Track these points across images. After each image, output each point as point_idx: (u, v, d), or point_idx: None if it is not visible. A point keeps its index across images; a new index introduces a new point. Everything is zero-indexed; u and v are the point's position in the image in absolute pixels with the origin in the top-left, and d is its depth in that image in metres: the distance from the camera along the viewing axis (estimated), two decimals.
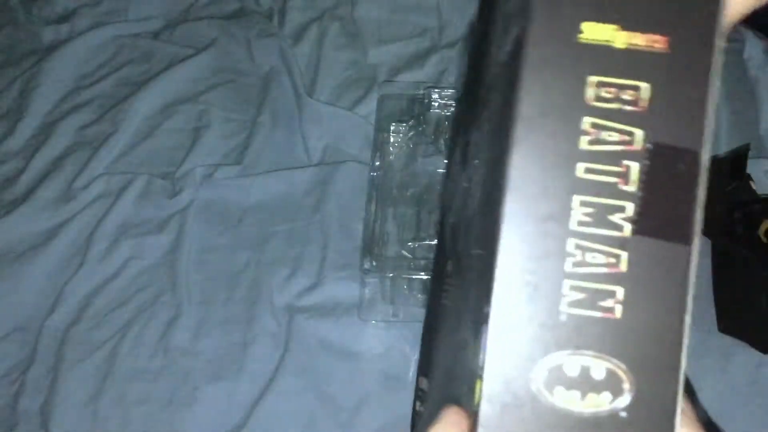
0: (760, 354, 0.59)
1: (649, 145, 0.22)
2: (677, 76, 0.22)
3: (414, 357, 0.61)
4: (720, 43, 0.22)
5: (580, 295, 0.22)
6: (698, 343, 0.60)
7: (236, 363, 0.60)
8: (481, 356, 0.22)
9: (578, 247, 0.22)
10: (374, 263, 0.58)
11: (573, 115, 0.22)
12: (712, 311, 0.61)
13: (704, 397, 0.57)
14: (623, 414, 0.21)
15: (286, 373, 0.60)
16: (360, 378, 0.60)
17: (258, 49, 0.81)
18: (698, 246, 0.22)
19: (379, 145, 0.65)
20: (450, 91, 0.66)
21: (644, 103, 0.22)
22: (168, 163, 0.73)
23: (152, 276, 0.66)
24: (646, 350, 0.21)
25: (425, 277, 0.58)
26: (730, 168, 0.64)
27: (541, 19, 0.22)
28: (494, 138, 0.24)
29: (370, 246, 0.59)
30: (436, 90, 0.66)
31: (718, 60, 0.22)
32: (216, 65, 0.81)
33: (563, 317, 0.22)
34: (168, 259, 0.66)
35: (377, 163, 0.64)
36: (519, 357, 0.22)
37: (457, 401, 0.23)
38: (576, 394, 0.21)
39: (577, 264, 0.22)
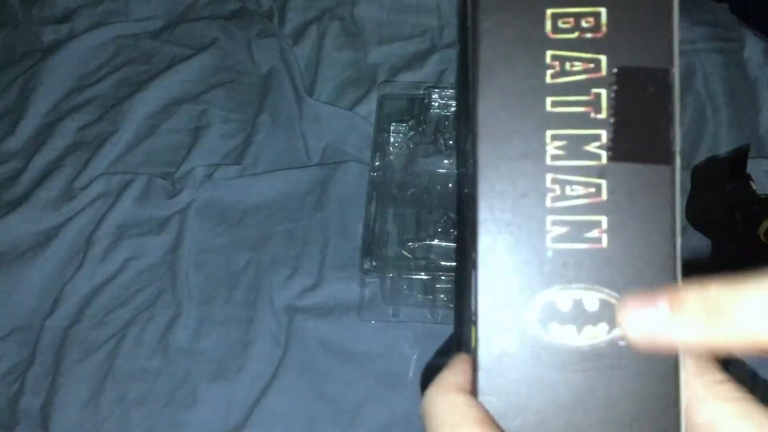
0: (760, 354, 0.59)
1: (614, 70, 0.21)
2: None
3: (414, 357, 0.61)
4: None
5: (564, 229, 0.21)
6: None
7: (236, 363, 0.60)
8: (473, 302, 0.22)
9: (556, 181, 0.22)
10: (374, 263, 0.57)
11: (535, 51, 0.22)
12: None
13: None
14: (622, 343, 0.21)
15: (286, 373, 0.60)
16: (360, 378, 0.60)
17: (258, 49, 0.81)
18: (679, 165, 0.21)
19: (379, 145, 0.65)
20: (450, 91, 0.66)
21: (604, 27, 0.22)
22: (168, 163, 0.73)
23: (152, 276, 0.66)
24: (638, 277, 0.21)
25: (425, 277, 0.58)
26: (730, 168, 0.64)
27: None
28: (467, 88, 0.24)
29: (370, 246, 0.59)
30: (436, 90, 0.66)
31: None
32: (216, 65, 0.81)
33: (549, 253, 0.21)
34: (168, 259, 0.66)
35: (377, 163, 0.64)
36: (510, 298, 0.22)
37: (466, 347, 0.24)
38: (572, 328, 0.21)
39: (557, 198, 0.21)
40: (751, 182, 0.62)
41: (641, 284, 0.21)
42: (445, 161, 0.67)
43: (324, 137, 0.74)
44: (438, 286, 0.60)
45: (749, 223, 0.58)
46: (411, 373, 0.60)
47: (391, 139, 0.66)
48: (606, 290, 0.21)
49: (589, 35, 0.22)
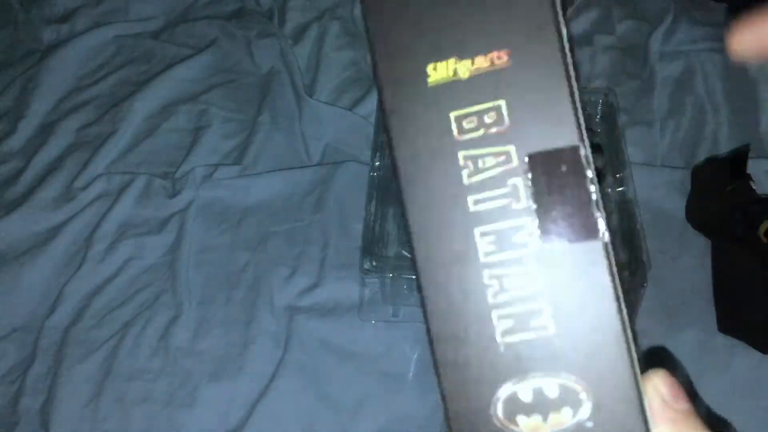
0: (760, 354, 0.59)
1: (525, 158, 0.22)
2: (530, 83, 0.22)
3: (414, 357, 0.61)
4: (564, 34, 0.22)
5: (510, 322, 0.22)
6: (698, 343, 0.60)
7: (236, 363, 0.60)
8: (442, 404, 0.22)
9: (493, 276, 0.22)
10: (374, 263, 0.57)
11: (448, 156, 0.22)
12: (712, 311, 0.61)
13: (705, 397, 0.57)
14: (589, 424, 0.21)
15: (286, 373, 0.60)
16: (360, 378, 0.60)
17: (258, 49, 0.81)
18: (608, 236, 0.22)
19: (379, 145, 0.65)
20: None
21: (506, 119, 0.22)
22: (168, 163, 0.73)
23: (152, 276, 0.66)
24: (590, 355, 0.21)
25: None
26: (730, 168, 0.64)
27: (387, 73, 0.22)
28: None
29: (370, 246, 0.59)
30: None
31: (566, 50, 0.22)
32: (216, 65, 0.81)
33: (502, 348, 0.22)
34: (168, 259, 0.66)
35: (377, 163, 0.64)
36: (475, 397, 0.22)
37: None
38: (537, 418, 0.21)
39: (497, 293, 0.22)
40: (751, 182, 0.62)
41: (593, 360, 0.21)
42: None
43: (324, 137, 0.74)
44: None
45: (749, 223, 0.58)
46: (411, 373, 0.60)
47: None
48: (563, 374, 0.21)
49: (494, 129, 0.22)
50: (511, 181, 0.22)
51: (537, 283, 0.22)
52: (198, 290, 0.65)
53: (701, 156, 0.71)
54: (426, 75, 0.22)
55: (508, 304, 0.22)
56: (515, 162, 0.22)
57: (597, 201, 0.21)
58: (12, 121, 0.77)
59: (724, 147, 0.72)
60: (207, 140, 0.74)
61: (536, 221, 0.22)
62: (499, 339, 0.22)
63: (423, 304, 0.23)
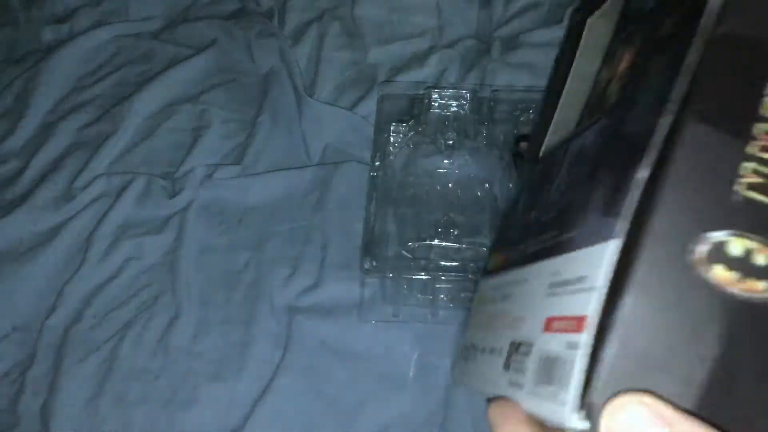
0: None
1: None
2: None
3: (414, 357, 0.61)
4: None
5: (759, 179, 0.21)
6: None
7: (236, 363, 0.60)
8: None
9: (763, 132, 0.21)
10: (374, 263, 0.57)
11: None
12: None
13: None
14: None
15: (286, 373, 0.60)
16: (360, 378, 0.60)
17: (258, 49, 0.81)
18: None
19: (379, 145, 0.65)
20: (450, 91, 0.66)
21: None
22: (168, 163, 0.73)
23: (152, 276, 0.66)
24: None
25: (425, 277, 0.58)
26: None
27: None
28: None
29: (370, 246, 0.59)
30: (436, 90, 0.66)
31: None
32: (216, 65, 0.81)
33: (737, 197, 0.21)
34: (168, 259, 0.66)
35: (377, 163, 0.64)
36: (685, 223, 0.21)
37: None
38: (735, 275, 0.21)
39: (763, 149, 0.21)
40: None
41: None
42: (445, 161, 0.67)
43: (324, 137, 0.74)
44: (438, 286, 0.60)
45: None
46: (411, 373, 0.60)
47: (391, 139, 0.66)
48: None
49: None
50: None
51: None
52: (198, 290, 0.65)
53: None
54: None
55: (765, 163, 0.21)
56: None
57: None
58: (12, 121, 0.77)
59: None
60: (207, 140, 0.74)
61: None
62: (737, 188, 0.21)
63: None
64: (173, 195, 0.70)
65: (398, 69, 0.80)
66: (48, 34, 0.84)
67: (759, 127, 0.21)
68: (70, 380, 0.60)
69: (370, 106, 0.75)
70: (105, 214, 0.69)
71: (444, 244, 0.63)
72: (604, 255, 0.22)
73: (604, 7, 0.36)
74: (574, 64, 0.37)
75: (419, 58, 0.81)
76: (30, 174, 0.73)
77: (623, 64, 0.30)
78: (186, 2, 0.87)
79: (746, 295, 0.20)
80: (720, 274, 0.21)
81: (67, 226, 0.68)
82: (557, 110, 0.38)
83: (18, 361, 0.61)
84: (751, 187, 0.21)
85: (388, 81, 0.78)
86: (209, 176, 0.71)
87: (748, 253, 0.21)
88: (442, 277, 0.58)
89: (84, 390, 0.59)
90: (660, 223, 0.21)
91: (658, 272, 0.21)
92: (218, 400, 0.59)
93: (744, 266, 0.21)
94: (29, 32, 0.85)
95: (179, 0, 0.87)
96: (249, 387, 0.59)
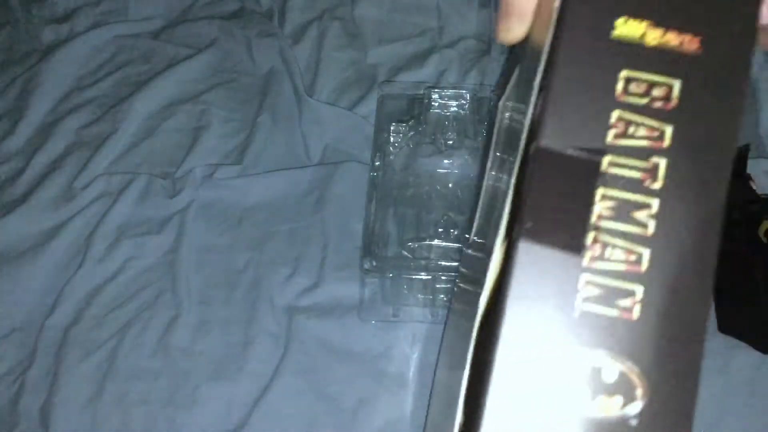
0: (760, 354, 0.59)
1: (677, 141, 0.21)
2: (708, 82, 0.21)
3: (414, 357, 0.61)
4: (753, 47, 0.21)
5: (596, 291, 0.21)
6: None
7: (236, 363, 0.60)
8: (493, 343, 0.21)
9: (597, 240, 0.21)
10: (374, 263, 0.57)
11: (603, 109, 0.21)
12: (712, 311, 0.61)
13: (705, 396, 0.57)
14: (634, 422, 0.20)
15: (286, 373, 0.60)
16: (360, 378, 0.60)
17: (258, 49, 0.81)
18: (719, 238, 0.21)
19: (379, 145, 0.65)
20: (450, 91, 0.66)
21: (674, 99, 0.21)
22: (168, 163, 0.73)
23: (152, 276, 0.66)
24: (664, 355, 0.20)
25: (425, 277, 0.58)
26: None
27: (575, 15, 0.22)
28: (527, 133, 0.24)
29: (370, 246, 0.59)
30: (436, 90, 0.66)
31: (750, 64, 0.22)
32: (216, 65, 0.81)
33: (577, 313, 0.21)
34: (168, 259, 0.66)
35: (377, 163, 0.64)
36: (531, 349, 0.21)
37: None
38: (587, 392, 0.21)
39: (595, 258, 0.21)
40: (751, 182, 0.62)
41: (664, 363, 0.21)
42: (445, 161, 0.67)
43: (324, 137, 0.74)
44: (438, 286, 0.60)
45: (749, 223, 0.58)
46: (411, 373, 0.60)
47: (391, 139, 0.66)
48: (629, 363, 0.21)
49: (659, 104, 0.21)
50: (655, 159, 0.21)
51: (639, 266, 0.21)
52: (198, 290, 0.65)
53: None
54: (612, 26, 0.22)
55: (601, 274, 0.21)
56: (666, 142, 0.21)
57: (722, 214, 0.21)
58: (12, 121, 0.77)
59: None
60: (207, 140, 0.74)
61: (663, 206, 0.21)
62: (578, 303, 0.21)
63: (513, 245, 0.21)
64: (173, 195, 0.70)
65: (398, 69, 0.80)
66: (48, 34, 0.84)
67: (590, 237, 0.21)
68: (70, 380, 0.60)
69: (370, 106, 0.75)
70: (105, 214, 0.69)
71: (444, 244, 0.63)
72: None
73: (509, 88, 0.36)
74: (490, 152, 0.38)
75: (419, 58, 0.81)
76: (30, 174, 0.73)
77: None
78: (186, 2, 0.87)
79: (600, 414, 0.20)
80: (571, 392, 0.21)
81: (67, 226, 0.68)
82: (480, 198, 0.39)
83: (18, 361, 0.61)
84: (589, 300, 0.21)
85: (388, 81, 0.78)
86: (209, 176, 0.71)
87: (596, 371, 0.21)
88: (442, 277, 0.58)
89: (84, 390, 0.59)
90: (505, 346, 0.21)
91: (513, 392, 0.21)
92: (218, 400, 0.59)
93: (594, 384, 0.21)
94: (29, 32, 0.85)
95: (179, 0, 0.87)
96: (249, 387, 0.59)
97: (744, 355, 0.59)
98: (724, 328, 0.60)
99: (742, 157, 0.64)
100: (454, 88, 0.67)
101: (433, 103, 0.65)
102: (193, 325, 0.63)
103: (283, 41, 0.82)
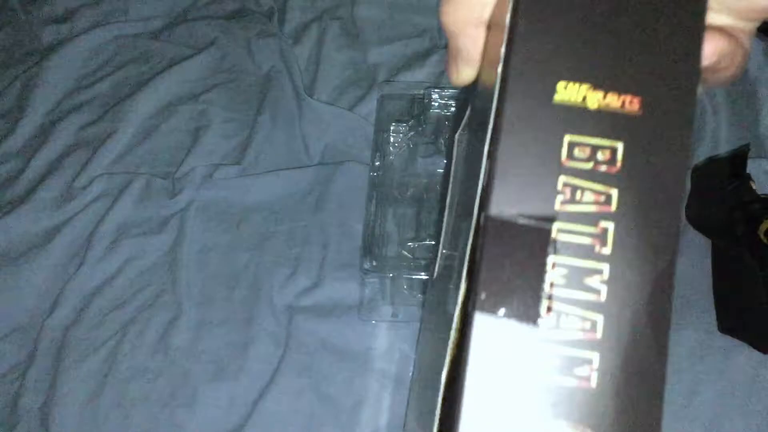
0: (760, 354, 0.59)
1: (624, 204, 0.21)
2: (652, 143, 0.21)
3: (414, 357, 0.61)
4: (695, 103, 0.21)
5: (554, 362, 0.21)
6: (698, 343, 0.60)
7: (236, 363, 0.60)
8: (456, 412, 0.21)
9: (552, 309, 0.21)
10: (374, 263, 0.58)
11: (549, 175, 0.21)
12: (712, 311, 0.61)
13: (704, 397, 0.57)
14: None
15: (286, 373, 0.60)
16: (360, 378, 0.60)
17: (258, 49, 0.81)
18: (672, 300, 0.21)
19: (379, 145, 0.65)
20: (450, 91, 0.66)
21: (618, 162, 0.21)
22: (168, 163, 0.73)
23: (152, 276, 0.66)
24: (623, 421, 0.20)
25: (425, 277, 0.58)
26: (730, 168, 0.64)
27: (517, 80, 0.22)
28: (472, 188, 0.24)
29: (370, 246, 0.59)
30: (436, 90, 0.66)
31: (694, 119, 0.21)
32: (216, 65, 0.81)
33: (536, 385, 0.21)
34: (168, 259, 0.66)
35: (377, 163, 0.64)
36: (492, 424, 0.21)
37: None
38: None
39: (551, 328, 0.21)
40: (751, 182, 0.62)
41: (625, 426, 0.20)
42: (445, 161, 0.67)
43: (324, 137, 0.74)
44: None
45: (749, 223, 0.58)
46: (411, 373, 0.60)
47: (391, 139, 0.66)
48: (588, 431, 0.21)
49: (603, 168, 0.21)
50: (604, 224, 0.21)
51: (594, 333, 0.21)
52: (198, 290, 0.65)
53: (701, 156, 0.71)
54: (554, 91, 0.22)
55: (557, 343, 0.21)
56: (613, 207, 0.21)
57: (673, 276, 0.21)
58: (12, 121, 0.77)
59: (724, 147, 0.72)
60: (207, 140, 0.74)
61: (614, 270, 0.21)
62: (536, 375, 0.21)
63: (470, 314, 0.22)
64: (173, 195, 0.70)
65: (398, 69, 0.80)
66: (48, 34, 0.84)
67: (545, 306, 0.21)
68: (70, 380, 0.60)
69: (370, 106, 0.75)
70: (105, 214, 0.69)
71: None
72: None
73: (464, 121, 0.36)
74: (449, 185, 0.38)
75: (419, 58, 0.81)
76: (30, 174, 0.73)
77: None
78: (186, 2, 0.87)
79: None
80: None
81: (67, 226, 0.68)
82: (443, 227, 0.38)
83: (18, 361, 0.61)
84: (545, 370, 0.21)
85: (388, 81, 0.78)
86: (209, 176, 0.71)
87: None
88: None
89: (84, 390, 0.59)
90: (466, 421, 0.21)
91: None
92: (218, 400, 0.59)
93: None
94: (29, 32, 0.85)
95: (179, 0, 0.87)
96: (249, 387, 0.59)
97: (744, 355, 0.59)
98: (724, 328, 0.60)
99: (742, 157, 0.64)
100: (454, 88, 0.67)
101: (433, 103, 0.66)
102: (193, 325, 0.63)
103: (283, 41, 0.82)
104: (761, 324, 0.59)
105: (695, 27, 0.22)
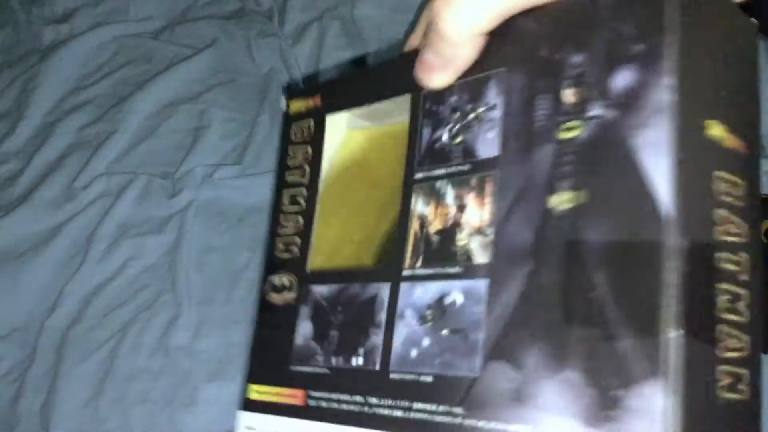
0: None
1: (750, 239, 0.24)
2: (754, 175, 0.25)
3: None
4: None
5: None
6: None
7: (236, 363, 0.60)
8: None
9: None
10: None
11: (705, 206, 0.23)
12: None
13: None
14: None
15: None
16: None
17: (258, 49, 0.81)
18: None
19: None
20: None
21: (743, 198, 0.24)
22: (168, 163, 0.73)
23: (152, 276, 0.66)
24: None
25: None
26: None
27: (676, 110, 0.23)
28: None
29: None
30: None
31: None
32: (216, 65, 0.81)
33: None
34: (168, 259, 0.66)
35: None
36: None
37: None
38: None
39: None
40: None
41: None
42: None
43: None
44: None
45: None
46: None
47: None
48: None
49: (740, 203, 0.26)
50: (743, 254, 0.26)
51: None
52: (198, 290, 0.65)
53: None
54: (703, 126, 0.23)
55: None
56: (745, 238, 0.26)
57: None
58: (12, 121, 0.77)
59: None
60: (207, 140, 0.74)
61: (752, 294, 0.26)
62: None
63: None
64: (173, 195, 0.70)
65: None
66: (48, 34, 0.84)
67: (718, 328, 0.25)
68: (70, 380, 0.60)
69: None
70: (105, 214, 0.69)
71: None
72: None
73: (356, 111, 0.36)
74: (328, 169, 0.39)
75: None
76: (30, 174, 0.73)
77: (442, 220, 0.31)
78: (186, 2, 0.87)
79: None
80: None
81: (67, 226, 0.68)
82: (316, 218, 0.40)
83: (18, 361, 0.61)
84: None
85: None
86: (209, 176, 0.71)
87: None
88: None
89: (84, 390, 0.59)
90: None
91: None
92: (218, 400, 0.59)
93: None
94: (29, 32, 0.85)
95: (179, 0, 0.87)
96: None
97: None
98: None
99: None
100: None
101: None
102: (193, 325, 0.63)
103: (283, 41, 0.82)
104: (761, 324, 0.59)
105: None
